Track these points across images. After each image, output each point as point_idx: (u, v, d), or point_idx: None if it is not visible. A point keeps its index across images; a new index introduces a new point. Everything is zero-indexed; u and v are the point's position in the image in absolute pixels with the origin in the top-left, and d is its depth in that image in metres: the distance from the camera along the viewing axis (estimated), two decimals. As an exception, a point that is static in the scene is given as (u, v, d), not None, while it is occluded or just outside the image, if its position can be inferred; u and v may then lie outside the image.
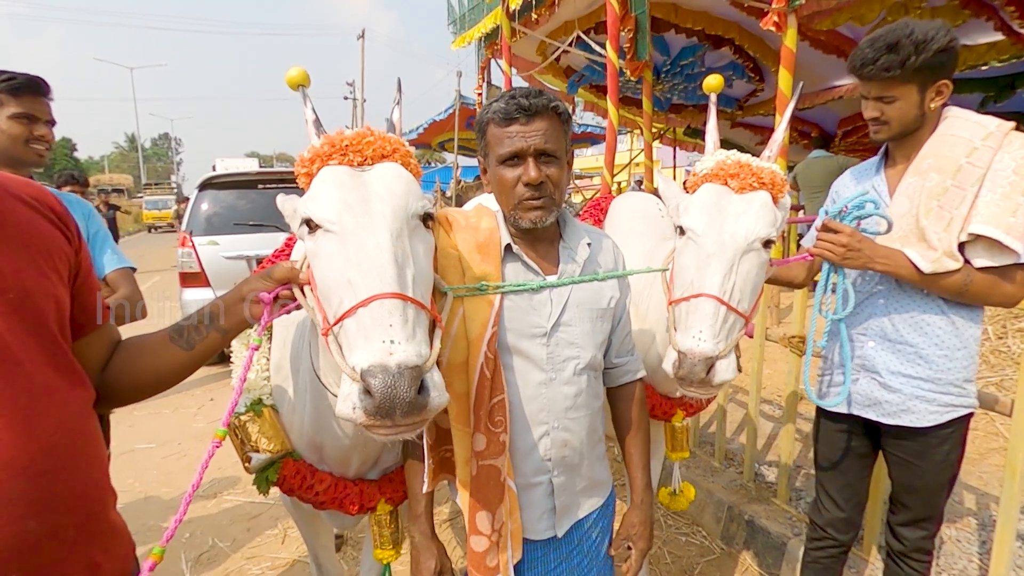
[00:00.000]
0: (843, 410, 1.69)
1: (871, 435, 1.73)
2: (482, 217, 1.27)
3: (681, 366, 1.23)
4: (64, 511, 0.74)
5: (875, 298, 1.62)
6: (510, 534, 1.20)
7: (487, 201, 1.38)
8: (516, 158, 1.17)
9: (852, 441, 1.76)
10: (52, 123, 1.85)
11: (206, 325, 1.02)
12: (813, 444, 1.89)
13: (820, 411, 1.82)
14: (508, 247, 1.24)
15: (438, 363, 1.18)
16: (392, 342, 0.84)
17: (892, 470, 1.69)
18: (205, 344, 1.02)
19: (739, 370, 1.29)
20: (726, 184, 1.36)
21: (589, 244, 1.32)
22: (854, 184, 1.73)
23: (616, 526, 1.42)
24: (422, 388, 0.84)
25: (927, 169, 1.50)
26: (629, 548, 1.34)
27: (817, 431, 1.86)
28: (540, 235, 1.27)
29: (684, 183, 1.63)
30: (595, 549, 1.36)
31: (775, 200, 1.35)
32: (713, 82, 1.64)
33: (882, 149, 1.69)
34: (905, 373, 1.57)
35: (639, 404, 1.43)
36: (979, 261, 1.44)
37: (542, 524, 1.27)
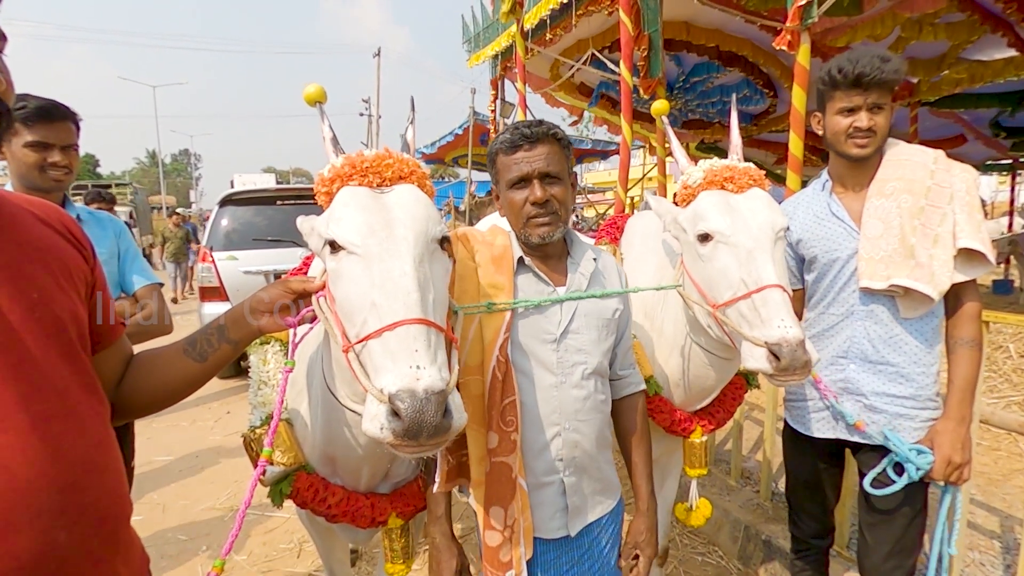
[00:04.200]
0: (829, 435, 1.70)
1: (841, 450, 1.78)
2: (496, 235, 1.38)
3: (781, 357, 1.23)
4: (91, 523, 0.76)
5: (851, 319, 1.62)
6: (522, 531, 1.27)
7: (500, 223, 1.45)
8: (523, 181, 1.28)
9: (826, 461, 1.79)
10: (71, 147, 1.83)
11: (217, 337, 1.05)
12: (786, 467, 1.93)
13: (792, 435, 1.84)
14: (521, 260, 1.34)
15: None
16: (418, 367, 0.87)
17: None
18: (217, 356, 1.05)
19: None
20: (723, 188, 1.43)
21: (595, 259, 1.41)
22: (792, 209, 1.76)
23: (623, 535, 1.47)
24: (446, 411, 0.87)
25: (894, 191, 1.55)
26: (636, 556, 1.39)
27: (790, 456, 1.89)
28: (549, 251, 1.37)
29: (674, 197, 1.67)
30: (606, 555, 1.42)
31: None
32: (659, 107, 1.77)
33: (823, 176, 1.74)
34: (889, 393, 1.58)
35: (641, 415, 1.50)
36: (955, 276, 1.49)
37: (555, 523, 1.33)
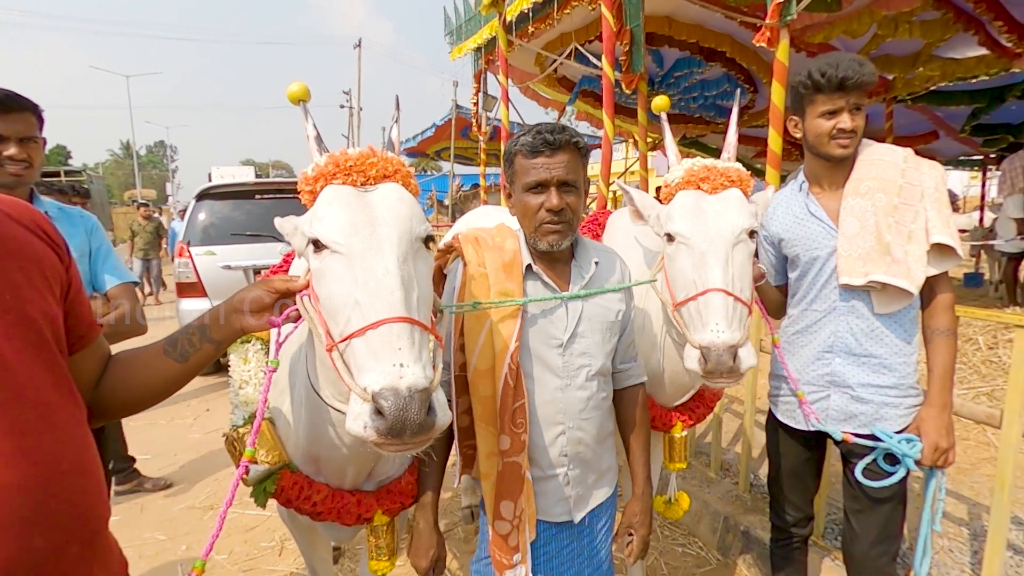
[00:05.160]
0: (813, 427, 1.73)
1: (823, 441, 1.83)
2: (506, 238, 1.41)
3: (708, 360, 1.29)
4: (68, 529, 0.75)
5: (834, 315, 1.67)
6: (527, 518, 1.36)
7: (509, 220, 1.49)
8: (540, 187, 1.30)
9: (810, 451, 1.84)
10: (30, 140, 1.75)
11: (199, 337, 1.03)
12: (769, 457, 1.97)
13: (776, 427, 1.88)
14: (529, 267, 1.38)
15: (464, 369, 1.31)
16: (402, 365, 0.88)
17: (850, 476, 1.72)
18: (199, 356, 1.03)
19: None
20: (699, 188, 1.47)
21: (596, 263, 1.44)
22: (772, 209, 1.79)
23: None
24: (429, 409, 0.87)
25: (869, 191, 1.59)
26: (631, 535, 1.47)
27: (774, 446, 1.93)
28: (556, 256, 1.40)
29: (657, 194, 1.70)
30: (603, 534, 1.51)
31: (745, 195, 1.48)
32: (660, 102, 1.79)
33: (800, 176, 1.78)
34: (875, 384, 1.63)
35: (641, 406, 1.55)
36: (928, 270, 1.55)
37: (558, 508, 1.42)
